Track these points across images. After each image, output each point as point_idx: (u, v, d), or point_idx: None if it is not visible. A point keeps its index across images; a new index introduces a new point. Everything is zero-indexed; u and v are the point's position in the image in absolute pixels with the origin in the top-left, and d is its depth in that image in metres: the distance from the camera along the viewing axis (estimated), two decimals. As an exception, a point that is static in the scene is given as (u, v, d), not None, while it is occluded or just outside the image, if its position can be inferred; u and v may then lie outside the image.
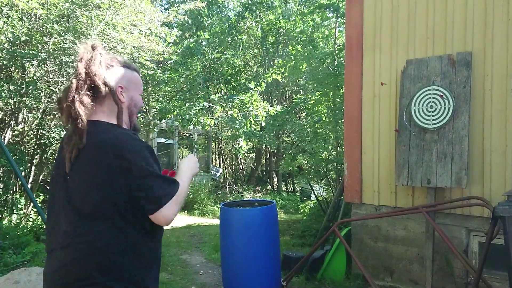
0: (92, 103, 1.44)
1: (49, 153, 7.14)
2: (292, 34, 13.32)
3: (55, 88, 6.23)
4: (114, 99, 1.49)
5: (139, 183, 1.36)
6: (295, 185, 15.18)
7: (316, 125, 9.35)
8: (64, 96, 1.44)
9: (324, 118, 8.97)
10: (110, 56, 1.55)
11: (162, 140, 11.84)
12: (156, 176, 1.40)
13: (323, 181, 9.70)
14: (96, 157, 1.37)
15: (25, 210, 6.45)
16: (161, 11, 10.25)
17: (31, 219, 6.34)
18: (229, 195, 12.06)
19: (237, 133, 9.75)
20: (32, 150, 6.89)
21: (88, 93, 1.43)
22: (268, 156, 15.74)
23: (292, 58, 12.15)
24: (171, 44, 8.26)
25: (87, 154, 1.39)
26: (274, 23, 13.37)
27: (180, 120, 8.67)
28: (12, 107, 6.40)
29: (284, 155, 13.32)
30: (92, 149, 1.38)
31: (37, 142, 6.84)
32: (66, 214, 1.39)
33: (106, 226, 1.36)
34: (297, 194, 13.78)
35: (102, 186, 1.36)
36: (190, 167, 1.66)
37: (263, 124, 10.20)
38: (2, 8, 5.77)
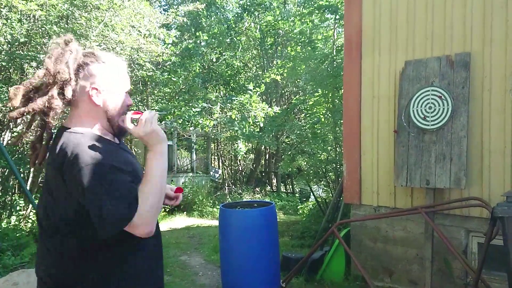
0: (64, 106, 1.32)
1: (48, 155, 7.12)
2: (290, 35, 13.35)
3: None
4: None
5: (86, 201, 1.22)
6: (294, 186, 15.19)
7: (315, 126, 9.36)
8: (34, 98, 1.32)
9: (323, 119, 8.98)
10: (86, 51, 1.38)
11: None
12: (106, 194, 1.20)
13: (322, 182, 9.71)
14: (54, 170, 1.28)
15: (24, 212, 6.44)
16: (160, 12, 10.25)
17: (30, 221, 6.33)
18: (228, 196, 12.06)
19: (236, 134, 9.76)
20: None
21: (56, 95, 1.29)
22: (267, 157, 15.76)
23: (291, 59, 12.17)
24: (170, 45, 8.26)
25: (49, 166, 1.31)
26: (272, 24, 13.39)
27: (180, 121, 8.67)
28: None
29: (283, 156, 13.33)
30: (52, 161, 1.30)
31: (36, 144, 6.82)
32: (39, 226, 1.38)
33: (59, 240, 1.29)
34: (296, 195, 13.80)
35: (59, 200, 1.28)
36: (156, 142, 1.33)
37: (262, 125, 10.21)
38: (1, 9, 5.77)
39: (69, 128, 1.33)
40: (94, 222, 1.20)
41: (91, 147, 1.25)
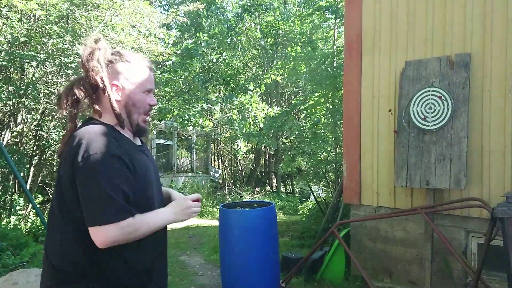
0: (87, 99, 1.42)
1: (48, 154, 7.13)
2: (291, 35, 13.34)
3: (54, 89, 6.23)
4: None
5: (83, 195, 1.28)
6: (294, 186, 15.18)
7: (315, 126, 9.36)
8: (63, 91, 1.43)
9: (323, 119, 8.98)
10: (113, 51, 1.47)
11: (161, 141, 11.84)
12: (100, 194, 1.26)
13: (322, 182, 9.71)
14: (64, 160, 1.34)
15: (24, 211, 6.44)
16: (161, 12, 10.25)
17: (30, 220, 6.33)
18: (228, 196, 12.06)
19: (235, 134, 9.75)
20: (31, 151, 6.88)
21: (83, 88, 1.39)
22: (267, 157, 15.75)
23: (291, 59, 12.17)
24: (170, 45, 8.25)
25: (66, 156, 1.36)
26: (273, 24, 13.39)
27: (180, 121, 8.67)
28: (11, 108, 6.40)
29: (283, 156, 13.32)
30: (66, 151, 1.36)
31: (36, 143, 6.83)
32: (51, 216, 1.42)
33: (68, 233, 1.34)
34: (296, 195, 13.78)
35: (63, 190, 1.33)
36: (174, 215, 1.48)
37: (262, 125, 10.21)
38: (1, 9, 5.77)
39: (91, 120, 1.44)
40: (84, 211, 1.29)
41: (101, 137, 1.33)
